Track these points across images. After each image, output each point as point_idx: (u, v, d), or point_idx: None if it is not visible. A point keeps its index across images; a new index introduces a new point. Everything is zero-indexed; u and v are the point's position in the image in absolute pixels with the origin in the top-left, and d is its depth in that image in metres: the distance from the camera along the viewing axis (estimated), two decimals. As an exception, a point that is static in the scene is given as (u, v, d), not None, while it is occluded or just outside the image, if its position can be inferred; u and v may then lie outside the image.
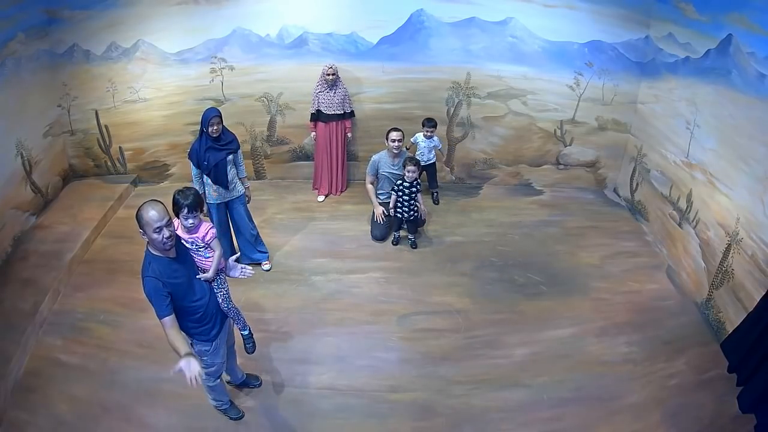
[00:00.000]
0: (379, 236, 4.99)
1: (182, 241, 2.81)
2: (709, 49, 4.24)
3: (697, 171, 4.41)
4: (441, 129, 5.81)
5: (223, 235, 4.28)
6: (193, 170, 4.10)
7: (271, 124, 5.88)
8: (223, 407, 3.19)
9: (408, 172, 4.68)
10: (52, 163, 5.44)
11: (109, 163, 5.96)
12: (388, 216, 4.99)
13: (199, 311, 2.67)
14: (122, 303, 4.12)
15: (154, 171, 6.04)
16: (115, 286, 4.32)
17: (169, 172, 6.06)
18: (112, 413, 3.21)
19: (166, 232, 2.39)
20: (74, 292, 4.26)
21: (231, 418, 3.21)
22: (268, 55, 5.51)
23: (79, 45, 5.34)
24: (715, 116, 4.19)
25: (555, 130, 5.87)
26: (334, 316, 4.05)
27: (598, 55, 5.43)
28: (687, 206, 4.53)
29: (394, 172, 4.91)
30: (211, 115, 3.92)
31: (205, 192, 4.14)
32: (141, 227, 2.40)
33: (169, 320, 2.45)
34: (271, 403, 3.33)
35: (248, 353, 3.26)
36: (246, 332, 3.19)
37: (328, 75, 5.18)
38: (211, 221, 4.24)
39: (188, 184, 3.31)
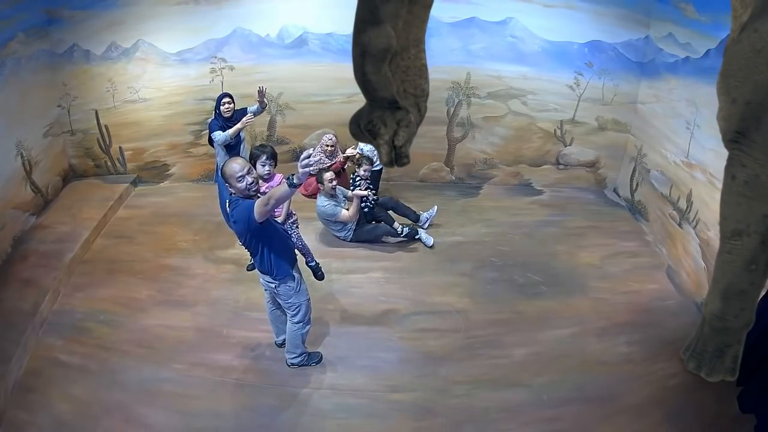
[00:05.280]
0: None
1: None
2: (709, 49, 4.24)
3: (697, 171, 4.41)
4: (441, 129, 5.81)
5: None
6: (216, 136, 4.32)
7: (271, 124, 5.88)
8: (303, 360, 3.51)
9: (364, 171, 4.84)
10: (52, 163, 5.43)
11: (109, 163, 5.96)
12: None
13: (286, 243, 3.16)
14: (122, 303, 4.12)
15: (154, 171, 6.04)
16: (115, 286, 4.32)
17: (169, 172, 6.06)
18: (112, 413, 3.20)
19: (248, 179, 2.84)
20: (74, 292, 4.26)
21: (314, 364, 3.54)
22: (268, 55, 5.51)
23: (79, 45, 5.34)
24: (715, 116, 4.18)
25: (555, 130, 5.87)
26: (334, 316, 4.04)
27: (598, 55, 5.43)
28: (687, 206, 4.52)
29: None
30: (223, 96, 4.40)
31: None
32: (227, 181, 2.87)
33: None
34: (271, 403, 3.32)
35: (319, 280, 4.07)
36: (313, 264, 4.01)
37: (328, 146, 5.28)
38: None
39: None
